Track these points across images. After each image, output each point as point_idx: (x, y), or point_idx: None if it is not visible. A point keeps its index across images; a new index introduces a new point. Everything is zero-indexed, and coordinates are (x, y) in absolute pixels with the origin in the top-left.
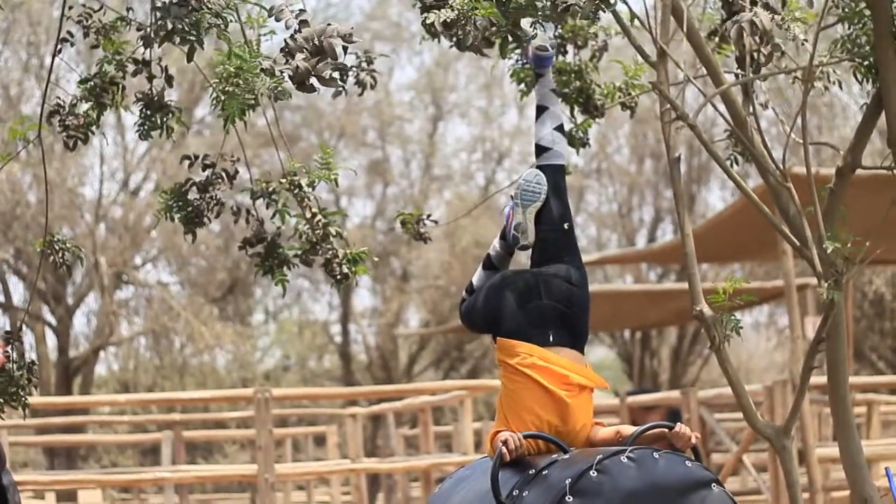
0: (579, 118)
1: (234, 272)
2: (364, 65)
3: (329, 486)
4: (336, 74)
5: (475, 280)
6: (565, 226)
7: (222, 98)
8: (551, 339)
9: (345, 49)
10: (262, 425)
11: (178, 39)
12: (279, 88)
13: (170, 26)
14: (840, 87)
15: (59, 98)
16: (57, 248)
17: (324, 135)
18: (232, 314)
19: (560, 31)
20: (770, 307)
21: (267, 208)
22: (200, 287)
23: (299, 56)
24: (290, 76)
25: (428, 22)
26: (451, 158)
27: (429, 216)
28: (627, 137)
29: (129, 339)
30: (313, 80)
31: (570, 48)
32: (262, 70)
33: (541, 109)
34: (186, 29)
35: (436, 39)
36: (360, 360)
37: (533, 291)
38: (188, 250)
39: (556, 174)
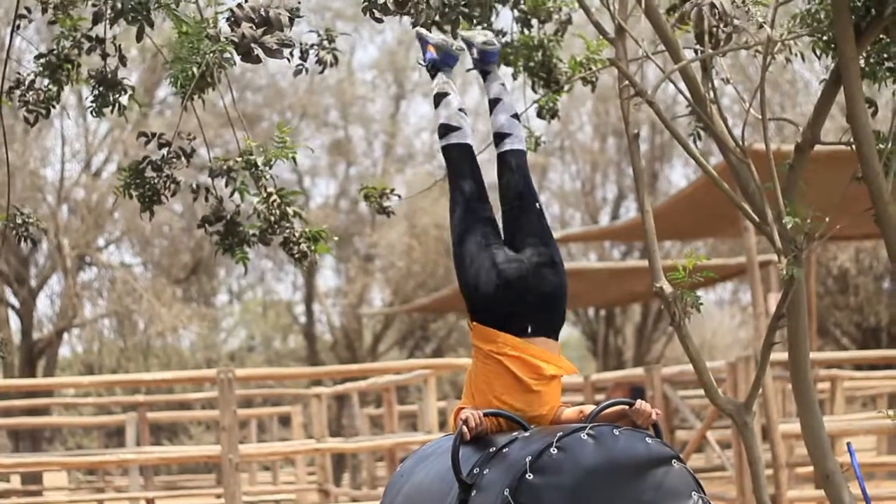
0: (541, 92)
1: (198, 253)
2: (325, 43)
3: (294, 466)
4: (281, 46)
5: (442, 120)
6: (537, 205)
7: (169, 63)
8: (529, 330)
9: (291, 21)
10: (226, 406)
11: (129, 18)
12: (225, 54)
13: (119, 6)
14: (803, 59)
15: (18, 73)
16: (20, 222)
17: (286, 115)
18: (196, 295)
19: (524, 5)
20: (734, 284)
21: (226, 186)
22: (164, 268)
23: (245, 25)
24: (234, 45)
25: (380, 1)
26: (414, 138)
27: (392, 190)
28: (590, 115)
29: (93, 321)
30: (259, 51)
31: (534, 22)
32: (206, 36)
33: (494, 101)
34: (136, 8)
35: (381, 20)
36: (325, 340)
37: (521, 281)
38: (151, 231)
39: (518, 157)
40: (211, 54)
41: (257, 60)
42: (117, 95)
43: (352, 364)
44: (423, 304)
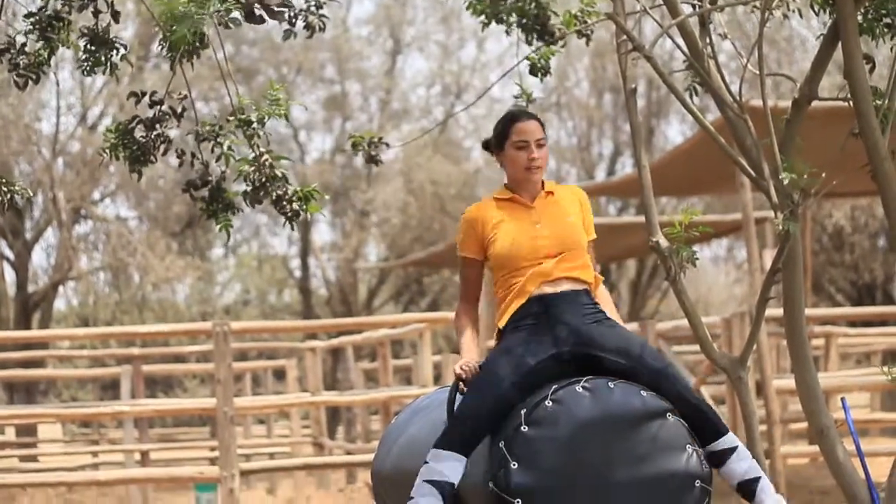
0: (536, 46)
1: (193, 207)
2: (313, 8)
3: (289, 419)
4: (282, 7)
5: None
6: None
7: (171, 25)
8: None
9: None
10: (221, 359)
11: None
12: (230, 13)
13: None
14: (800, 15)
15: (8, 35)
16: (5, 189)
17: (282, 69)
18: (191, 248)
19: None
20: (729, 241)
21: (212, 151)
22: (159, 222)
23: None
24: (239, 4)
25: None
26: (410, 93)
27: (381, 139)
28: (587, 71)
29: (88, 274)
30: (262, 12)
31: None
32: None
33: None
34: None
35: None
36: (320, 294)
37: None
38: (147, 185)
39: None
40: (217, 13)
41: (260, 21)
42: (110, 54)
43: (347, 318)
44: (418, 258)
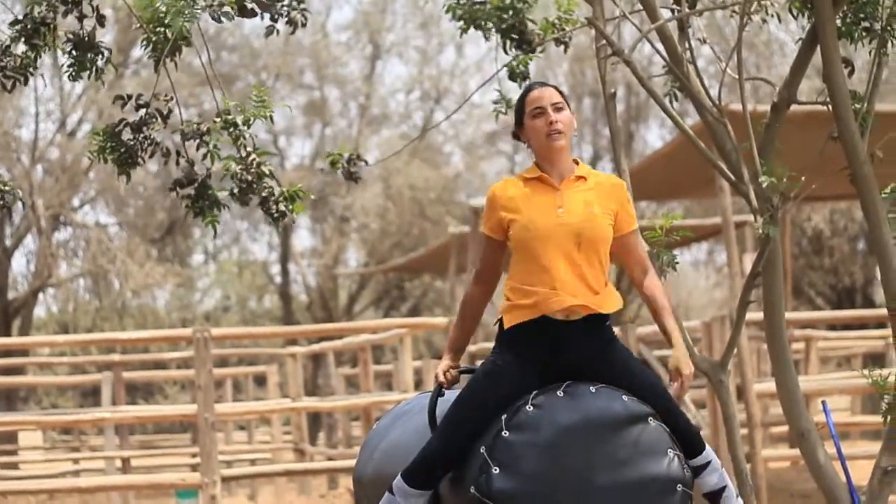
0: (513, 54)
1: (173, 213)
2: (294, 3)
3: (270, 425)
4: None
5: None
6: None
7: (156, 27)
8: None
9: None
10: (201, 365)
11: None
12: (223, 7)
13: None
14: (779, 19)
15: None
16: None
17: (261, 75)
18: (171, 255)
19: None
20: (709, 245)
21: (197, 150)
22: (139, 228)
23: None
24: None
25: None
26: (389, 98)
27: (358, 156)
28: (566, 76)
29: (68, 281)
30: (253, 5)
31: None
32: None
33: None
34: None
35: None
36: (301, 300)
37: None
38: (126, 191)
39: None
40: (209, 7)
41: (252, 14)
42: (95, 58)
43: (327, 324)
44: (398, 264)
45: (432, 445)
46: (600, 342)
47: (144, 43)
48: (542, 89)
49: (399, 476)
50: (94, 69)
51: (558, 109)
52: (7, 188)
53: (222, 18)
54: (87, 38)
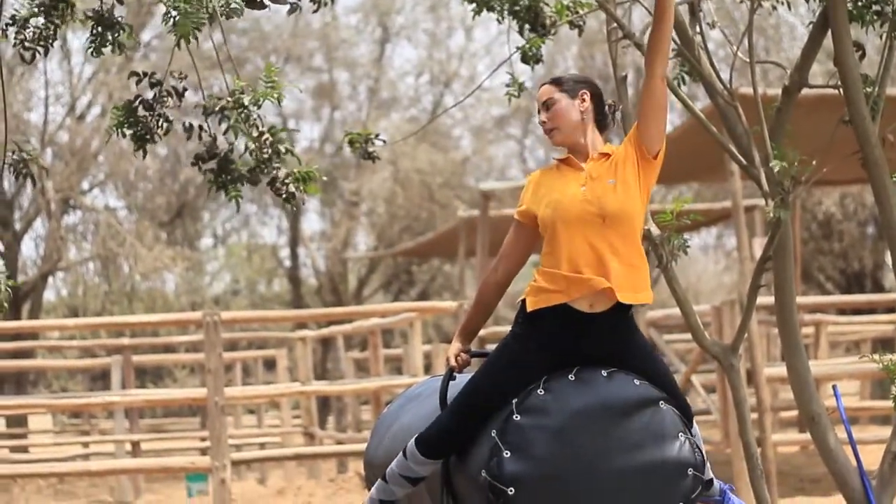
0: (527, 37)
1: (182, 196)
2: None
3: (279, 409)
4: None
5: None
6: None
7: (175, 16)
8: None
9: None
10: (211, 349)
11: None
12: (231, 6)
13: None
14: (788, 7)
15: (15, 10)
16: (18, 158)
17: (270, 58)
18: (180, 238)
19: None
20: (718, 229)
21: (219, 125)
22: (148, 211)
23: None
24: None
25: None
26: (398, 82)
27: (377, 136)
28: (576, 59)
29: (78, 265)
30: None
31: None
32: None
33: None
34: None
35: None
36: (310, 283)
37: None
38: (136, 175)
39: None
40: (219, 6)
41: (262, 6)
42: (115, 35)
43: (337, 308)
44: (407, 248)
45: (446, 422)
46: (624, 335)
47: (165, 20)
48: (541, 88)
49: (413, 441)
50: (115, 44)
51: (548, 106)
52: (30, 156)
53: (231, 15)
54: (107, 15)
